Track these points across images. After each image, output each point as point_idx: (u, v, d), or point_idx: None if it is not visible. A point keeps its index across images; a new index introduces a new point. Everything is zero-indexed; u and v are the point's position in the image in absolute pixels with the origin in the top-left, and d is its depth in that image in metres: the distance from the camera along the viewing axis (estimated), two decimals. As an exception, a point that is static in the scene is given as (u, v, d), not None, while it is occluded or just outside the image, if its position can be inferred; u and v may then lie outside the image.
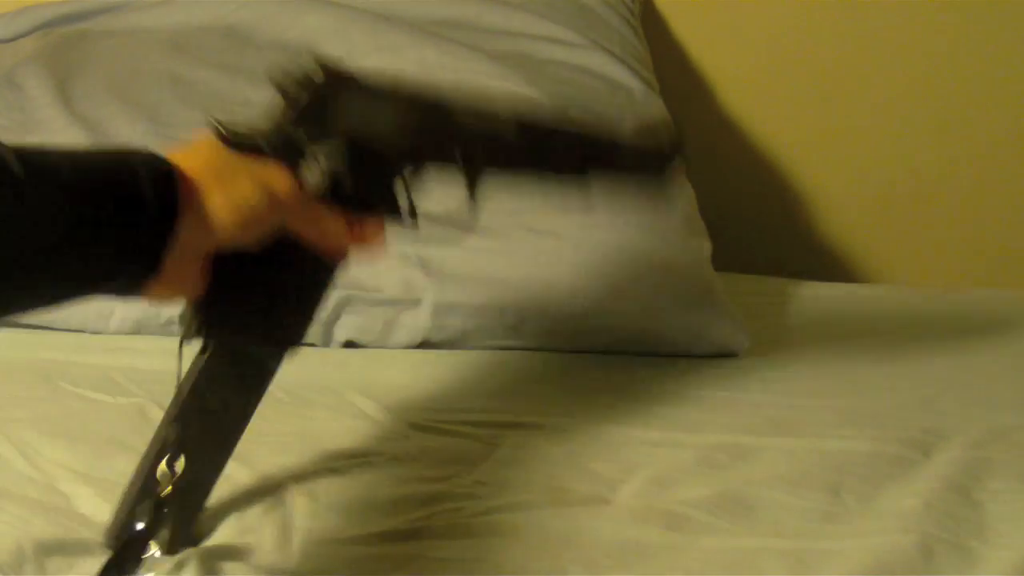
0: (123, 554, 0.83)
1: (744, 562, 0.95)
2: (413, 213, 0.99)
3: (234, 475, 1.06)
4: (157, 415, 1.06)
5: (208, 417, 0.93)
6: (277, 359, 0.96)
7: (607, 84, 1.63)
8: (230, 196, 0.85)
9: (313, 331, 1.36)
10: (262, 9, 1.67)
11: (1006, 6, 1.96)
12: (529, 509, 1.02)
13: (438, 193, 1.41)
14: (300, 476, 1.07)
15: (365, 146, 0.95)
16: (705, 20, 1.94)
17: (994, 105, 2.00)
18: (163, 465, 0.89)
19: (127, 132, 1.46)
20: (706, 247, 1.50)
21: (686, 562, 0.95)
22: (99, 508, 0.99)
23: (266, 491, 1.04)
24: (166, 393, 0.95)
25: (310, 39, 1.62)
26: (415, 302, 1.37)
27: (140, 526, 0.86)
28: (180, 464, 0.90)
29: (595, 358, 1.40)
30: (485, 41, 1.64)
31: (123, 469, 0.96)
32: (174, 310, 1.33)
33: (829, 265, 2.03)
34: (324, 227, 0.93)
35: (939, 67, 1.98)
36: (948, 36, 1.97)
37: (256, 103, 0.87)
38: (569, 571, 0.93)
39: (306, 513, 1.00)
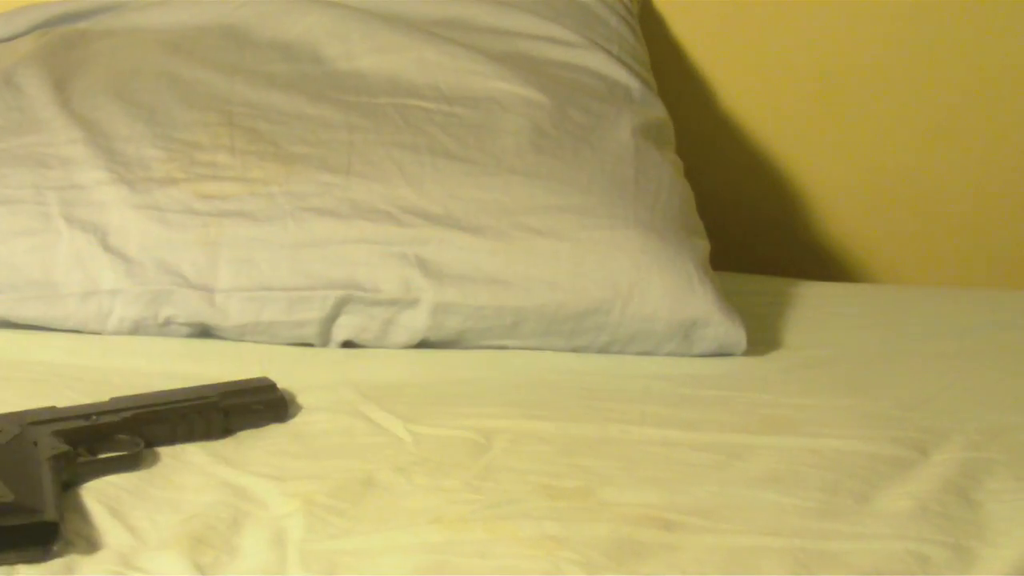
0: None
1: (740, 561, 0.95)
2: None
3: (231, 479, 1.06)
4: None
5: None
6: None
7: (605, 83, 1.63)
8: None
9: (312, 331, 1.37)
10: (261, 9, 1.66)
11: (1006, 6, 1.96)
12: (526, 508, 1.02)
13: (438, 192, 1.42)
14: (298, 477, 1.07)
15: None
16: (703, 19, 1.94)
17: (994, 105, 2.00)
18: None
19: (126, 132, 1.46)
20: (706, 247, 1.50)
21: (682, 561, 0.95)
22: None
23: (263, 494, 1.04)
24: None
25: (309, 39, 1.62)
26: (413, 302, 1.37)
27: None
28: None
29: (594, 358, 1.39)
30: (484, 41, 1.64)
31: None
32: (173, 309, 1.35)
33: (829, 265, 2.03)
34: None
35: (939, 67, 1.98)
36: (948, 36, 1.97)
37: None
38: (566, 570, 0.92)
39: (303, 514, 1.00)
